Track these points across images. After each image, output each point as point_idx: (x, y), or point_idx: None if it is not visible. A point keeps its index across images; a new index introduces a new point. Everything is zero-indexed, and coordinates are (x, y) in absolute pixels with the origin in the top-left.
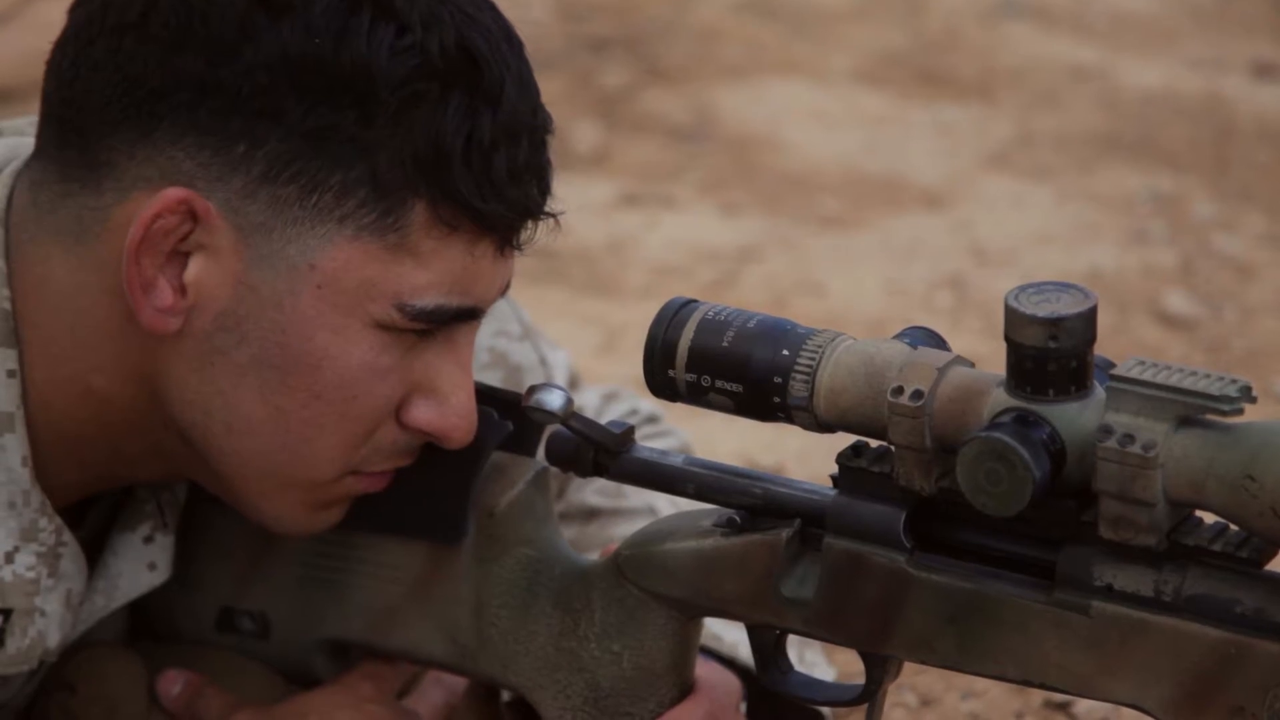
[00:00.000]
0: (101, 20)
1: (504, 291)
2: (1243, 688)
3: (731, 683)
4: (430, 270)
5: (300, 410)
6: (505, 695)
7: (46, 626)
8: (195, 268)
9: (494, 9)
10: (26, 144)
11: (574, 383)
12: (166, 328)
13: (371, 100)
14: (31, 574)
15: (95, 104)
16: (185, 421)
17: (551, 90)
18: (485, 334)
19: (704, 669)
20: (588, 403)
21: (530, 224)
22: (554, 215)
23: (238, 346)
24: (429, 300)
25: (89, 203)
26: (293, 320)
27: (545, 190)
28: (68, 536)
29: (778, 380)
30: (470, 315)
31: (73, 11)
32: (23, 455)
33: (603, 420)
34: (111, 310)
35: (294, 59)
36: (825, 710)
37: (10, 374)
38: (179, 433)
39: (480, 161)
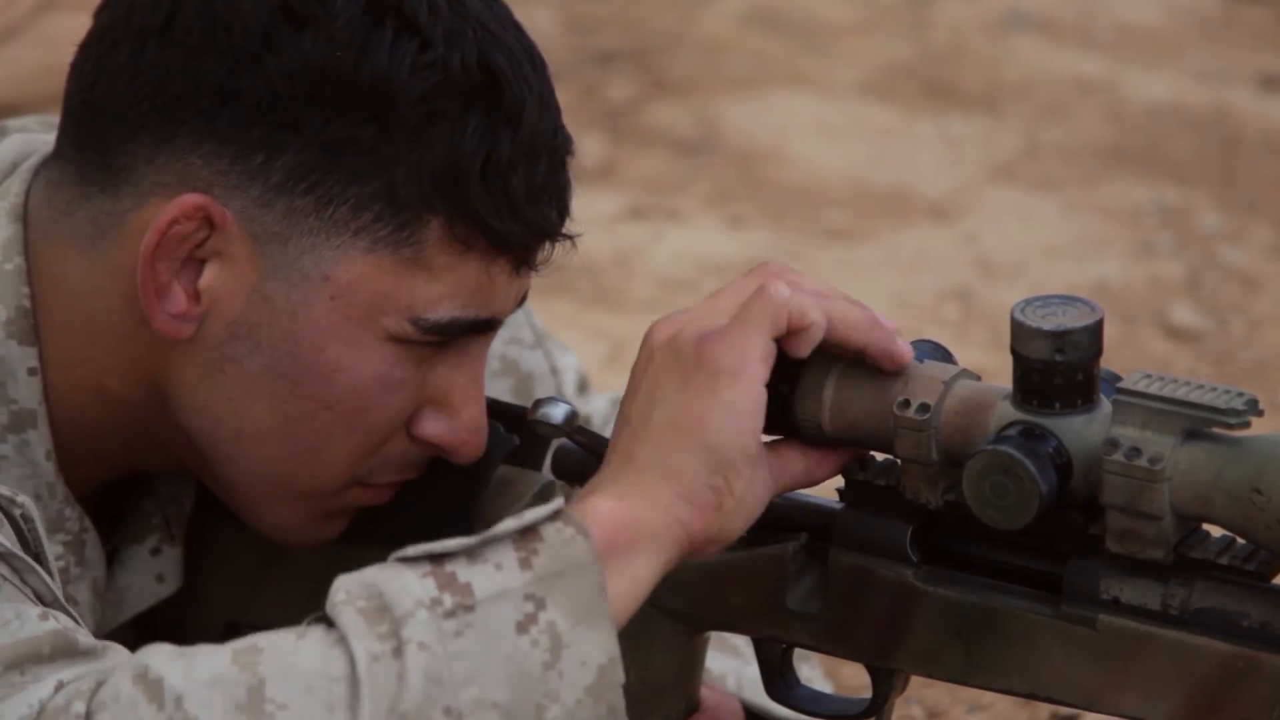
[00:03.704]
0: (125, 25)
1: (520, 304)
2: (1250, 701)
3: (734, 705)
4: (444, 284)
5: (310, 420)
6: None
7: (81, 615)
8: (210, 274)
9: (518, 28)
10: (39, 140)
11: (584, 387)
12: (179, 333)
13: (391, 115)
14: (61, 563)
15: (116, 108)
16: (193, 427)
17: None
18: (497, 341)
19: (707, 691)
20: (597, 409)
21: (547, 244)
22: (571, 237)
23: (250, 355)
24: (443, 313)
25: (105, 206)
26: (305, 331)
27: (564, 211)
28: (88, 523)
29: (784, 393)
30: (486, 327)
31: (98, 15)
32: (47, 449)
33: (610, 428)
34: (125, 314)
35: (315, 71)
36: None
37: (31, 371)
38: (187, 439)
39: (498, 181)
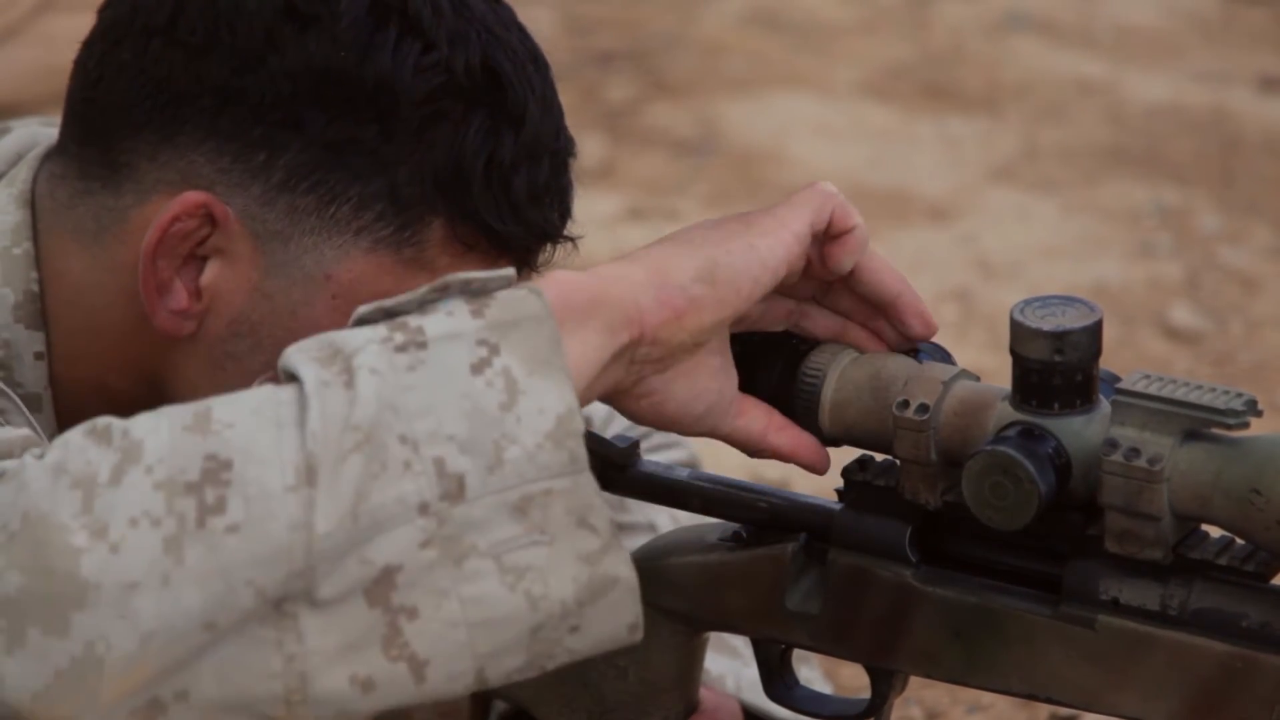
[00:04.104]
0: (129, 23)
1: None
2: (1249, 702)
3: (733, 706)
4: None
5: None
6: (499, 708)
7: None
8: (211, 272)
9: (521, 29)
10: (44, 133)
11: None
12: (180, 330)
13: (393, 115)
14: None
15: (119, 105)
16: None
17: None
18: None
19: (706, 692)
20: (595, 412)
21: (548, 246)
22: (573, 239)
23: (251, 352)
24: None
25: (108, 202)
26: (307, 329)
27: (566, 213)
28: None
29: (802, 349)
30: None
31: (101, 12)
32: (51, 433)
33: (610, 430)
34: (126, 311)
35: (318, 70)
36: None
37: (38, 356)
38: None
39: (500, 183)
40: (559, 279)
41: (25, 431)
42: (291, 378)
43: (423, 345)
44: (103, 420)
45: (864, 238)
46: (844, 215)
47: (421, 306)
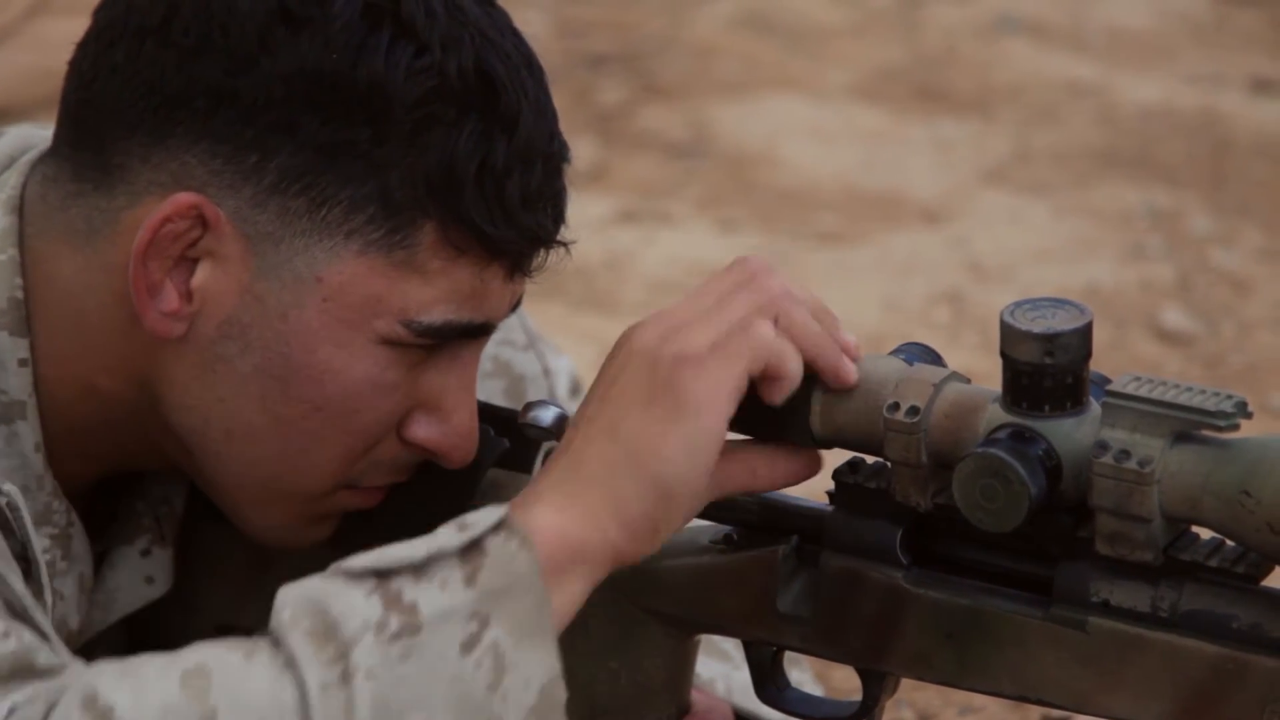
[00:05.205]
0: (123, 24)
1: (514, 309)
2: (1240, 703)
3: (725, 709)
4: (437, 288)
5: (301, 421)
6: None
7: (67, 610)
8: (202, 274)
9: (516, 34)
10: (39, 136)
11: (576, 389)
12: (170, 332)
13: (386, 119)
14: (48, 556)
15: (112, 106)
16: (184, 426)
17: None
18: (490, 343)
19: (697, 694)
20: None
21: (541, 251)
22: (565, 244)
23: (241, 355)
24: (436, 316)
25: (100, 204)
26: (297, 332)
27: (559, 218)
28: (75, 518)
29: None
30: (479, 332)
31: (96, 13)
32: (35, 441)
33: None
34: (117, 313)
35: (311, 73)
36: None
37: (22, 363)
38: (176, 438)
39: (493, 187)
40: (543, 529)
41: (10, 647)
42: (278, 643)
43: (416, 630)
44: (103, 693)
45: (795, 383)
46: (778, 365)
47: (416, 571)
